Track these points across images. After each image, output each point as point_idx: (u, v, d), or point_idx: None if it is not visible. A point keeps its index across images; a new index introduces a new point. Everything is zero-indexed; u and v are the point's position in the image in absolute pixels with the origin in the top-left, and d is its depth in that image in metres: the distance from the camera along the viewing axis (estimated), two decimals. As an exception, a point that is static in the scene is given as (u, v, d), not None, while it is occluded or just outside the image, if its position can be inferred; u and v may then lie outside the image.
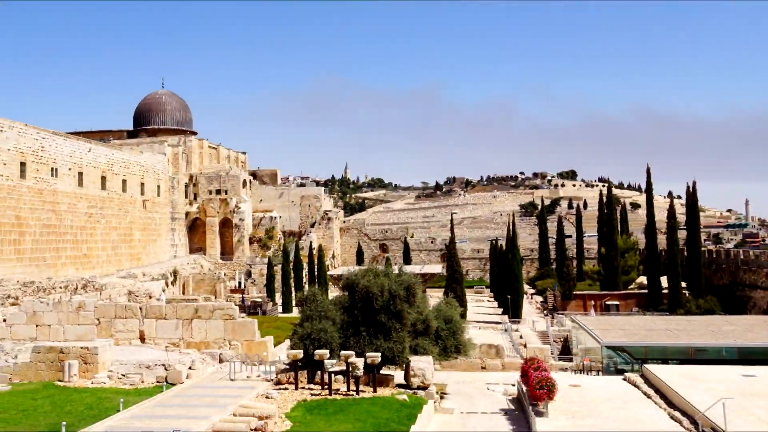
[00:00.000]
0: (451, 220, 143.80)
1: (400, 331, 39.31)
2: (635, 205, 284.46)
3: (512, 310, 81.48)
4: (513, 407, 37.65)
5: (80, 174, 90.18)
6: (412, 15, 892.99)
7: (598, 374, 45.39)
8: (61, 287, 65.25)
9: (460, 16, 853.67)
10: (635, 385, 38.63)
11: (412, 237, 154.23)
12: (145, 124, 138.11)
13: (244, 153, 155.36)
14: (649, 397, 35.88)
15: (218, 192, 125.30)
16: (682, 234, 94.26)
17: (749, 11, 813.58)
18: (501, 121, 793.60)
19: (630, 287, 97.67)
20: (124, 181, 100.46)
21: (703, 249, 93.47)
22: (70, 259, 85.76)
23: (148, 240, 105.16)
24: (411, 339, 39.95)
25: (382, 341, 39.04)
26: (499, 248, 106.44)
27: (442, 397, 39.60)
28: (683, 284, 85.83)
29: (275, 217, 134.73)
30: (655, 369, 39.81)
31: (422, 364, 38.57)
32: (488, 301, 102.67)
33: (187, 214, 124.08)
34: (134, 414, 32.77)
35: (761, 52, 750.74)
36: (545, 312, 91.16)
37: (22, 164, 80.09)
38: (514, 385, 41.86)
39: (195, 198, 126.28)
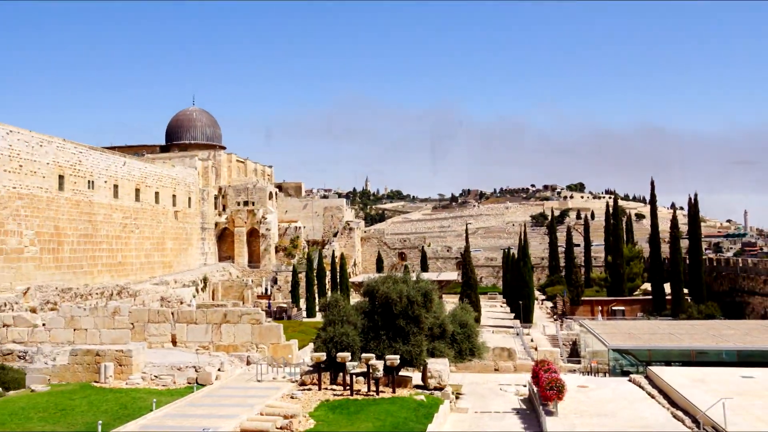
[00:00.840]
0: (466, 230, 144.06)
1: (418, 335, 39.39)
2: (640, 216, 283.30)
3: (524, 315, 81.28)
4: (524, 407, 37.63)
5: (115, 186, 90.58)
6: (430, 37, 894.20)
7: (605, 376, 45.32)
8: (97, 293, 65.56)
9: (475, 39, 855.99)
10: (640, 386, 38.57)
11: (429, 246, 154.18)
12: (176, 139, 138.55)
13: (270, 167, 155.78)
14: (653, 397, 35.85)
15: (246, 203, 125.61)
16: (684, 243, 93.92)
17: (747, 28, 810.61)
18: (513, 136, 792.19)
19: (635, 293, 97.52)
20: (156, 193, 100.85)
21: (704, 257, 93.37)
22: (106, 266, 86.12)
23: (179, 249, 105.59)
24: (428, 342, 40.00)
25: (401, 344, 39.12)
26: (511, 257, 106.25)
27: (457, 397, 39.63)
28: (685, 291, 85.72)
29: (300, 227, 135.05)
30: (659, 371, 39.73)
31: (439, 366, 38.60)
32: (501, 306, 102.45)
33: (216, 224, 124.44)
34: (166, 413, 32.91)
35: (759, 69, 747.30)
36: (555, 317, 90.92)
37: (61, 177, 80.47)
38: (525, 386, 41.84)
39: (224, 209, 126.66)
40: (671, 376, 37.99)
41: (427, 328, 40.57)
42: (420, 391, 37.95)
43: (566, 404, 33.45)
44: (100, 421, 29.74)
